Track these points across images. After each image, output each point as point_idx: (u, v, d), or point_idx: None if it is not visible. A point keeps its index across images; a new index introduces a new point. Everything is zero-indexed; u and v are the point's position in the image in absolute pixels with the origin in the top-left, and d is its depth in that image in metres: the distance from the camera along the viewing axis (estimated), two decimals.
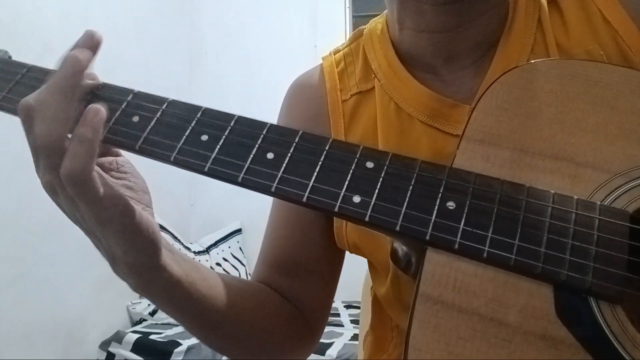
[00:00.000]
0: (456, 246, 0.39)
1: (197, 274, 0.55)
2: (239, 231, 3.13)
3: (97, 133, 0.43)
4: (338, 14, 3.16)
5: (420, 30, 0.58)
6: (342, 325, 2.40)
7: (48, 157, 0.43)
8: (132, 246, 0.46)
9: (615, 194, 0.40)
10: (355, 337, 2.19)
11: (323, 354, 2.06)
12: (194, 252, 2.85)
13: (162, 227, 2.89)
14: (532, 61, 0.49)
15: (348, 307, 2.63)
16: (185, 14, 3.29)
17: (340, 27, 3.07)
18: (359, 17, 3.11)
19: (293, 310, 0.68)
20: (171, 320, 2.63)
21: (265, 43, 3.18)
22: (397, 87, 0.62)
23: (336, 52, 0.70)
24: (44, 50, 2.14)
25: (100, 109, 0.43)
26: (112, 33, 2.63)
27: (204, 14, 3.32)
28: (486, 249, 0.38)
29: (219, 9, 3.30)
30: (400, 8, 0.59)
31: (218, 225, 3.08)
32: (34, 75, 0.53)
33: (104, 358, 2.31)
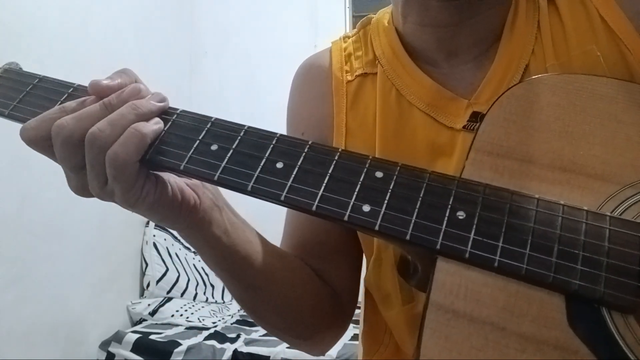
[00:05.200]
0: (467, 255, 0.39)
1: (242, 237, 0.57)
2: None
3: (153, 132, 0.47)
4: (338, 14, 3.16)
5: (424, 24, 0.59)
6: None
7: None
8: (163, 218, 0.50)
9: (625, 205, 0.40)
10: (355, 337, 2.19)
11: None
12: (194, 252, 2.85)
13: (162, 227, 2.89)
14: (539, 75, 0.49)
15: None
16: (185, 14, 3.28)
17: (340, 28, 3.07)
18: (359, 17, 3.11)
19: (329, 288, 0.69)
20: (171, 320, 2.64)
21: (265, 43, 3.18)
22: (399, 73, 0.63)
23: (346, 37, 0.72)
24: (44, 50, 2.14)
25: (160, 121, 0.48)
26: (112, 33, 2.63)
27: (204, 14, 3.32)
28: (497, 258, 0.38)
29: (219, 9, 3.30)
30: (405, 1, 0.60)
31: None
32: (45, 86, 0.53)
33: (104, 358, 2.31)
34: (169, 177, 0.50)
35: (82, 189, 0.49)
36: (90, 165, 0.45)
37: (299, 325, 0.67)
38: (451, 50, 0.59)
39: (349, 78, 0.67)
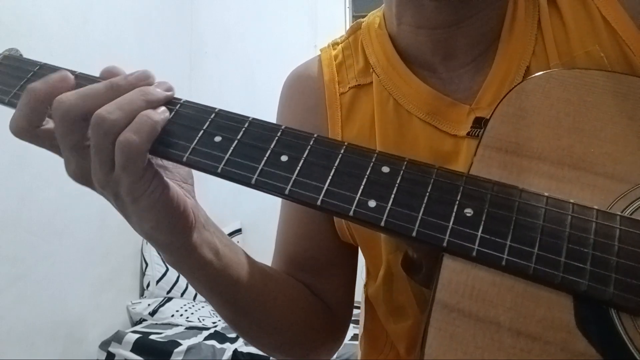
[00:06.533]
0: (474, 253, 0.38)
1: (234, 259, 0.56)
2: (239, 231, 3.12)
3: (163, 121, 0.45)
4: (338, 14, 3.16)
5: (419, 26, 0.58)
6: None
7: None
8: (161, 223, 0.47)
9: (636, 204, 0.39)
10: (355, 337, 2.17)
11: None
12: None
13: None
14: (549, 70, 0.48)
15: None
16: (185, 14, 3.28)
17: (340, 28, 3.06)
18: (359, 17, 3.10)
19: (322, 303, 0.68)
20: (171, 320, 2.63)
21: (265, 43, 3.18)
22: (396, 83, 0.61)
23: (334, 44, 0.70)
24: (44, 50, 2.13)
25: (167, 110, 0.47)
26: (112, 33, 2.63)
27: (204, 14, 3.32)
28: (505, 257, 0.37)
29: (219, 9, 3.30)
30: (399, 3, 0.59)
31: (218, 225, 3.07)
32: (46, 74, 0.52)
33: (104, 358, 2.31)
34: (176, 186, 0.48)
35: (81, 174, 0.46)
36: (96, 150, 0.43)
37: (294, 344, 0.66)
38: (448, 53, 0.58)
39: (342, 90, 0.65)
